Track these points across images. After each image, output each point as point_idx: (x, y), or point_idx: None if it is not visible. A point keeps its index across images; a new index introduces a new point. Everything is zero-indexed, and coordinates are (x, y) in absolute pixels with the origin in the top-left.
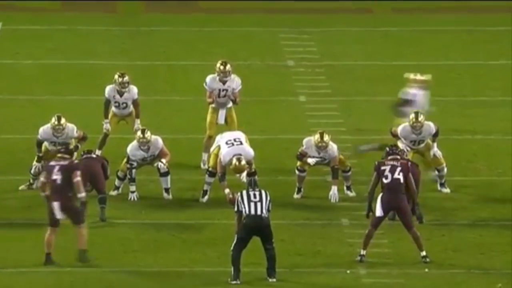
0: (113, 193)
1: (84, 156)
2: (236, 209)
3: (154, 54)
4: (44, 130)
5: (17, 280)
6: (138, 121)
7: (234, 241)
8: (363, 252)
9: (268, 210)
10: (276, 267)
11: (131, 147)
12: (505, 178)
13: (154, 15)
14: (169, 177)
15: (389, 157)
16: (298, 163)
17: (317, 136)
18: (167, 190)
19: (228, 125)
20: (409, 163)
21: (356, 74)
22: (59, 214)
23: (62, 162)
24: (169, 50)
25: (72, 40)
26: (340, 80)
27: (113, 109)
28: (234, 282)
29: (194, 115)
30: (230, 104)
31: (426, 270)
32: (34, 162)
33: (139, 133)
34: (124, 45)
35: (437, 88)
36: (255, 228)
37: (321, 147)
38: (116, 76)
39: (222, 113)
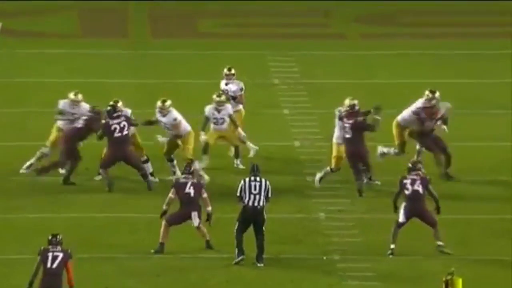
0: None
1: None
2: (238, 194)
3: (160, 74)
4: (64, 101)
5: None
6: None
7: (236, 226)
8: (392, 246)
9: (267, 198)
10: (264, 254)
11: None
12: None
13: (160, 40)
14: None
15: (411, 172)
16: None
17: None
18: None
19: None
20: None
21: (331, 91)
22: (196, 222)
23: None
24: (173, 70)
25: (89, 62)
26: (318, 96)
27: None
28: (239, 258)
29: (195, 126)
30: (239, 107)
31: (390, 256)
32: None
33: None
34: (134, 66)
35: (401, 102)
36: (251, 218)
37: None
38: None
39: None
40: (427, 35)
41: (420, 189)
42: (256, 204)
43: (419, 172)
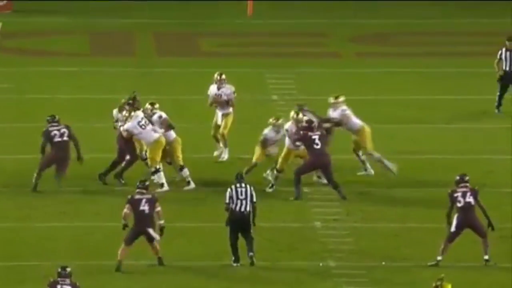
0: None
1: None
2: (227, 201)
3: (164, 90)
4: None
5: None
6: None
7: (228, 233)
8: (439, 258)
9: (253, 202)
10: (261, 260)
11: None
12: None
13: (164, 58)
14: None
15: (460, 185)
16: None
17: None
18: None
19: (221, 127)
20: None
21: (326, 106)
22: (157, 237)
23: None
24: (176, 87)
25: (98, 78)
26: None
27: None
28: (235, 264)
29: (196, 138)
30: (230, 110)
31: (383, 263)
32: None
33: None
34: (140, 83)
35: (384, 117)
36: (239, 223)
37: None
38: None
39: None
40: (418, 54)
41: (472, 200)
42: (243, 209)
43: (467, 184)
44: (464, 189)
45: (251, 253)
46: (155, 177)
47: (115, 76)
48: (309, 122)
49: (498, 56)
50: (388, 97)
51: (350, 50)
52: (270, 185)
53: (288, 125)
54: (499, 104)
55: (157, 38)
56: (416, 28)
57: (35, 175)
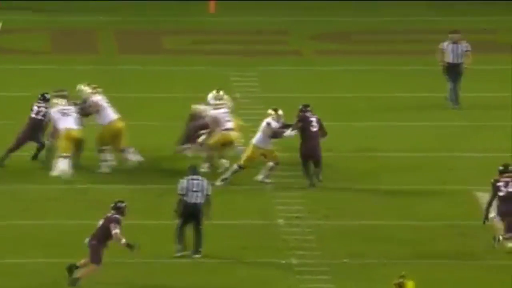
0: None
1: None
2: (180, 192)
3: (126, 88)
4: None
5: None
6: None
7: (178, 224)
8: (500, 237)
9: (207, 195)
10: (225, 258)
11: None
12: None
13: (126, 56)
14: None
15: (504, 174)
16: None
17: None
18: None
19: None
20: None
21: (288, 103)
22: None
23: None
24: (139, 85)
25: (59, 76)
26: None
27: None
28: (179, 254)
29: (158, 136)
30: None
31: (345, 260)
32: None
33: None
34: (102, 81)
35: (343, 115)
36: (191, 214)
37: None
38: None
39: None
40: (377, 52)
41: None
42: (196, 201)
43: (511, 174)
44: (507, 179)
45: (197, 255)
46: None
47: (77, 74)
48: (306, 105)
49: (440, 48)
50: (348, 95)
51: (311, 48)
52: (223, 178)
53: (269, 120)
54: (455, 97)
55: (119, 36)
56: (376, 27)
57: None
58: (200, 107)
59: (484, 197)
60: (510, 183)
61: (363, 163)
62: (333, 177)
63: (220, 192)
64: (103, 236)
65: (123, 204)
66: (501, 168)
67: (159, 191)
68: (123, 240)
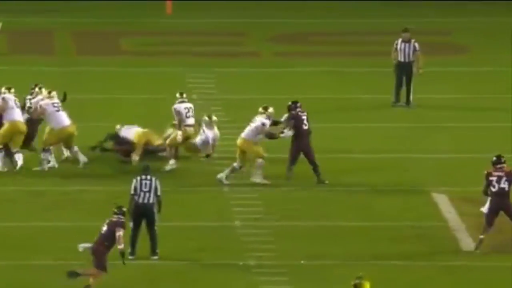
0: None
1: None
2: (133, 192)
3: (84, 89)
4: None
5: None
6: None
7: (132, 226)
8: (481, 236)
9: (157, 195)
10: (182, 260)
11: None
12: None
13: (84, 57)
14: None
15: (497, 166)
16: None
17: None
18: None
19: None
20: None
21: (245, 105)
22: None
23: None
24: (96, 86)
25: (16, 77)
26: (234, 111)
27: None
28: (130, 257)
29: None
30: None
31: (302, 261)
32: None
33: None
34: (59, 82)
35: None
36: (143, 214)
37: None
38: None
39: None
40: (334, 53)
41: (506, 186)
42: (146, 201)
43: (504, 166)
44: (500, 173)
45: (154, 257)
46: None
47: (34, 75)
48: (295, 102)
49: (394, 46)
50: (306, 96)
51: (268, 49)
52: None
53: (264, 120)
54: (406, 97)
55: (76, 37)
56: (333, 28)
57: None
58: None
59: (440, 198)
60: (503, 179)
61: (321, 164)
62: (293, 179)
63: (176, 193)
64: (110, 241)
65: (125, 208)
66: (494, 159)
67: (117, 193)
68: (122, 246)
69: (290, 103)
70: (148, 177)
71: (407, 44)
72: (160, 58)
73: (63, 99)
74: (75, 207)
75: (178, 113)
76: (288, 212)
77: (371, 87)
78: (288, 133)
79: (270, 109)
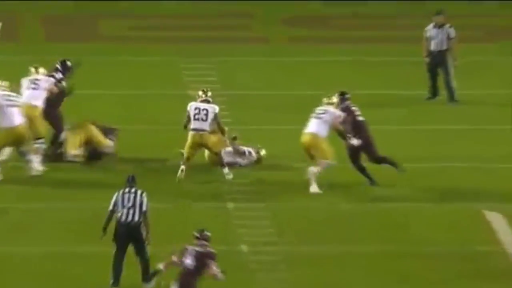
0: None
1: None
2: (111, 208)
3: None
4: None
5: None
6: None
7: (114, 250)
8: None
9: (142, 212)
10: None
11: None
12: None
13: (54, 44)
14: None
15: None
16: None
17: None
18: None
19: None
20: None
21: (252, 102)
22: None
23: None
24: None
25: None
26: (240, 109)
27: None
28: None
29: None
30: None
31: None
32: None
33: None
34: (25, 72)
35: None
36: (127, 236)
37: None
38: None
39: None
40: (360, 40)
41: None
42: (130, 219)
43: None
44: None
45: (149, 285)
46: None
47: None
48: (344, 93)
49: (425, 35)
50: (325, 92)
51: (281, 35)
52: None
53: (338, 112)
54: (433, 94)
55: (45, 21)
56: (359, 9)
57: None
58: None
59: (493, 216)
60: None
61: (346, 174)
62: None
63: (169, 209)
64: (198, 276)
65: (209, 232)
66: None
67: (94, 210)
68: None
69: (337, 94)
70: (133, 190)
71: (439, 30)
72: (148, 44)
73: (69, 92)
74: (44, 228)
75: (187, 112)
76: (304, 234)
77: (405, 80)
78: (357, 141)
79: (335, 98)
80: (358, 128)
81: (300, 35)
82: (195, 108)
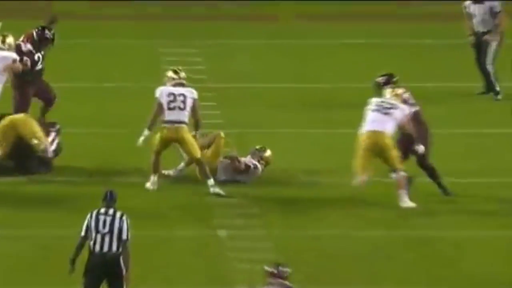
0: None
1: None
2: (83, 233)
3: None
4: None
5: None
6: None
7: (83, 282)
8: None
9: (122, 240)
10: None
11: None
12: None
13: (4, 21)
14: None
15: None
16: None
17: None
18: None
19: None
20: None
21: (252, 96)
22: None
23: None
24: None
25: None
26: (233, 106)
27: None
28: None
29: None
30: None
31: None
32: None
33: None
34: None
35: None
36: (101, 269)
37: None
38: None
39: None
40: (386, 17)
41: None
42: (106, 249)
43: None
44: None
45: None
46: None
47: None
48: (390, 75)
49: (465, 12)
50: (341, 85)
51: (288, 11)
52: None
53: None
54: (488, 89)
55: None
56: None
57: None
58: None
59: None
60: None
61: (370, 188)
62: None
63: (149, 237)
64: None
65: (288, 269)
66: None
67: (46, 239)
68: None
69: (380, 78)
70: (110, 211)
71: (480, 6)
72: (119, 24)
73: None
74: None
75: (157, 101)
76: (317, 271)
77: (447, 68)
78: (422, 147)
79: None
80: (419, 126)
81: (311, 11)
82: (169, 94)
